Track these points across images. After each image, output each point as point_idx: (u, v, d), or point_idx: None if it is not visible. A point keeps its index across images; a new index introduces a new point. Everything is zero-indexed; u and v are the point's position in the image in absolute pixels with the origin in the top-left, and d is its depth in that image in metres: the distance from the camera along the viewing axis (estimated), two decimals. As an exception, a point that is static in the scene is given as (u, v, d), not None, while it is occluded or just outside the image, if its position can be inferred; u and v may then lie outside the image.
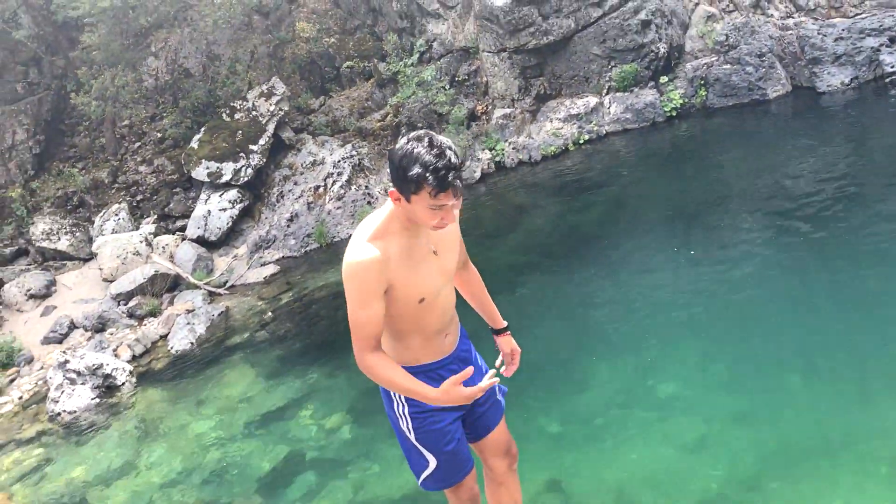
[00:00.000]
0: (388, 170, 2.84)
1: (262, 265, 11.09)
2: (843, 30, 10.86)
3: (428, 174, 2.61)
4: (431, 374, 3.07)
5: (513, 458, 3.48)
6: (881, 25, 10.69)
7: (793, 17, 11.47)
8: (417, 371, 3.05)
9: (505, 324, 3.42)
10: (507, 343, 3.40)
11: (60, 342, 10.28)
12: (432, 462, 3.17)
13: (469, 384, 3.06)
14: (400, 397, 3.10)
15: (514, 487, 3.50)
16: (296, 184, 12.12)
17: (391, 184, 2.78)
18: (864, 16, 11.00)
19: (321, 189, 11.86)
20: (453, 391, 2.88)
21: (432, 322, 3.03)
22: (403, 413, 3.11)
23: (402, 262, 2.85)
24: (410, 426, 3.13)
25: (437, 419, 3.11)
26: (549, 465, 5.12)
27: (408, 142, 2.69)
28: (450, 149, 2.67)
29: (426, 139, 2.68)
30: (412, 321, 3.00)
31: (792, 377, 5.43)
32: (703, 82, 11.73)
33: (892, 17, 10.71)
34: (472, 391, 2.91)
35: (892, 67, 10.38)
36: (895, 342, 5.46)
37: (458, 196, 2.69)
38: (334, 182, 11.85)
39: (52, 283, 11.61)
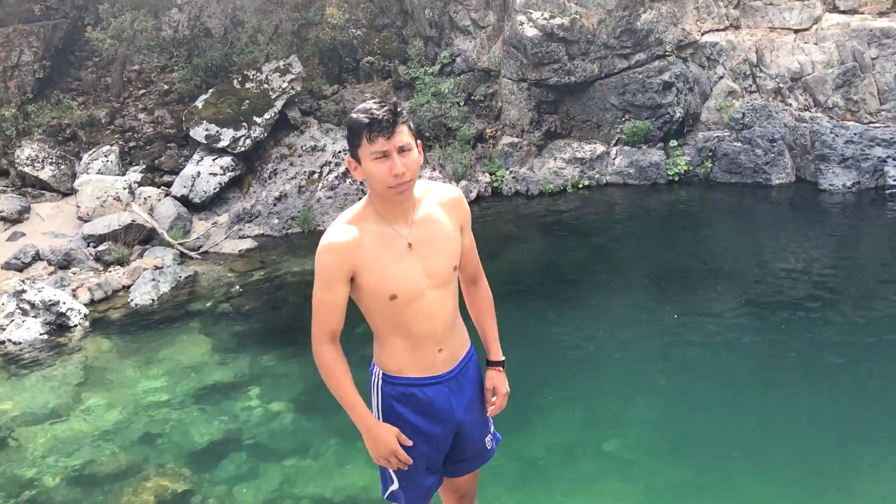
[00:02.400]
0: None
1: (240, 237, 10.96)
2: (855, 134, 10.97)
3: (361, 115, 2.66)
4: (415, 389, 2.91)
5: (468, 502, 3.37)
6: (892, 138, 10.82)
7: (810, 111, 11.58)
8: (400, 383, 2.92)
9: (500, 358, 3.20)
10: (493, 379, 3.16)
11: (21, 270, 10.07)
12: (396, 482, 3.07)
13: (471, 438, 3.04)
14: (379, 411, 2.97)
15: None
16: (291, 164, 12.02)
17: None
18: (877, 125, 11.13)
19: (316, 175, 11.76)
20: (384, 442, 2.86)
21: (415, 327, 2.85)
22: None
23: (373, 251, 2.75)
24: None
25: (412, 449, 2.96)
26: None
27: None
28: (391, 100, 2.74)
29: (374, 98, 2.79)
30: (388, 320, 2.86)
31: (740, 459, 5.40)
32: (710, 154, 11.79)
33: (906, 132, 10.85)
34: (395, 455, 2.88)
35: (895, 181, 10.50)
36: (852, 438, 5.46)
37: (395, 137, 2.64)
38: (330, 171, 11.76)
39: (27, 209, 11.41)
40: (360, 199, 10.32)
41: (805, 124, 11.37)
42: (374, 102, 2.69)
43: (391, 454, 2.89)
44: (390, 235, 2.79)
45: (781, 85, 11.82)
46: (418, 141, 2.79)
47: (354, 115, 2.69)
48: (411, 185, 2.75)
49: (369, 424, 2.88)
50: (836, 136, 10.99)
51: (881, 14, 11.69)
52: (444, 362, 2.95)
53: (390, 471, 3.03)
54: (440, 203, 2.92)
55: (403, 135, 2.68)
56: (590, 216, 11.01)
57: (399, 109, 2.69)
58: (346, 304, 2.82)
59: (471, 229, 3.08)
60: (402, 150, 2.67)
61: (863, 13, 11.80)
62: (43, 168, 11.94)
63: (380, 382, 2.97)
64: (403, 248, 2.80)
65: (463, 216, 3.00)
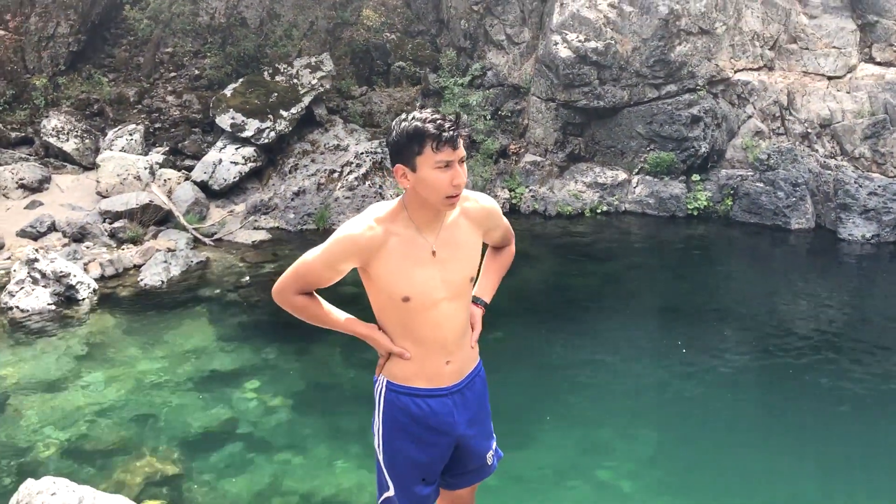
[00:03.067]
0: (390, 154, 2.80)
1: (254, 228, 10.99)
2: (879, 186, 10.90)
3: (427, 125, 2.65)
4: (419, 400, 2.90)
5: None
6: (917, 193, 10.75)
7: (835, 159, 11.53)
8: (405, 392, 2.90)
9: (485, 300, 3.18)
10: (474, 315, 3.09)
11: (36, 239, 10.13)
12: (392, 489, 3.05)
13: (470, 450, 3.04)
14: (380, 419, 2.96)
15: None
16: (313, 161, 12.05)
17: (394, 163, 2.77)
18: (903, 179, 11.07)
19: (336, 174, 11.79)
20: (382, 343, 2.89)
21: (426, 334, 2.85)
22: (378, 431, 2.99)
23: (395, 252, 2.76)
24: (381, 447, 3.00)
25: (410, 457, 2.94)
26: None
27: (402, 115, 2.78)
28: (448, 114, 2.78)
29: (419, 109, 2.79)
30: (399, 323, 2.86)
31: (730, 501, 5.35)
32: (732, 192, 11.75)
33: (930, 189, 10.78)
34: (382, 345, 2.89)
35: (916, 237, 10.44)
36: (850, 488, 5.40)
37: (459, 148, 2.69)
38: (351, 171, 11.78)
39: (47, 180, 11.48)
40: (377, 201, 10.34)
41: (830, 171, 11.32)
42: (432, 113, 2.72)
43: (379, 340, 2.91)
44: (416, 241, 2.80)
45: (810, 130, 11.78)
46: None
47: (418, 124, 2.68)
48: (459, 197, 2.79)
49: (362, 332, 2.92)
50: (860, 186, 10.93)
51: (917, 69, 11.64)
52: (450, 375, 2.94)
53: (386, 477, 3.01)
54: (469, 214, 2.93)
55: (463, 146, 2.73)
56: (605, 242, 10.97)
57: (461, 121, 2.73)
58: (331, 282, 2.86)
59: (503, 222, 3.14)
60: (461, 161, 2.72)
61: (898, 66, 11.76)
62: (67, 140, 12.02)
63: (384, 391, 2.95)
64: (427, 256, 2.80)
65: (492, 224, 3.06)
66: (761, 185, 11.57)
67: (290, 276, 2.87)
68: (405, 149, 2.70)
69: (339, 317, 2.93)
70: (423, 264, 2.80)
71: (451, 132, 2.66)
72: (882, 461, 5.79)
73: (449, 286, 2.85)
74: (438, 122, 2.67)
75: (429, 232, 2.82)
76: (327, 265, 2.81)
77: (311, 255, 2.84)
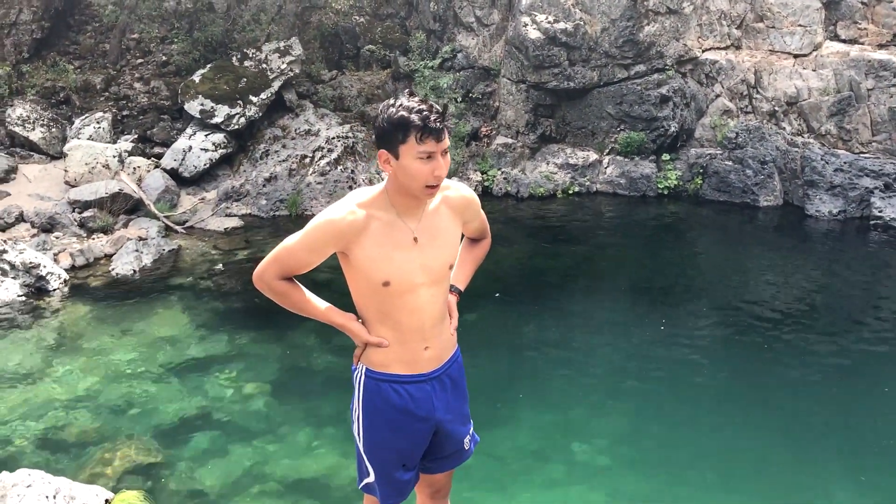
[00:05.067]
0: (375, 137, 2.83)
1: (226, 215, 10.93)
2: (845, 163, 11.07)
3: (412, 115, 2.67)
4: (398, 386, 2.93)
5: (442, 497, 3.37)
6: (881, 170, 10.92)
7: (802, 137, 11.68)
8: (384, 379, 2.92)
9: (460, 288, 3.20)
10: (450, 302, 3.12)
11: (3, 230, 10.01)
12: (372, 475, 3.08)
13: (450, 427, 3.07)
14: (360, 405, 2.98)
15: None
16: (284, 147, 11.99)
17: (378, 146, 2.79)
18: (867, 156, 11.24)
19: (307, 160, 11.74)
20: (358, 333, 2.91)
21: (404, 319, 2.88)
22: (358, 418, 3.02)
23: (376, 237, 2.78)
24: (361, 434, 3.03)
25: (390, 443, 2.98)
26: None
27: (391, 100, 2.80)
28: (434, 102, 2.77)
29: (407, 94, 2.79)
30: (378, 308, 2.88)
31: (708, 474, 5.45)
32: (701, 171, 11.87)
33: (894, 164, 10.95)
34: (359, 336, 2.92)
35: (880, 212, 10.58)
36: (820, 458, 5.53)
37: (443, 140, 2.71)
38: (322, 157, 11.74)
39: (14, 170, 11.32)
40: (350, 187, 10.29)
41: (797, 149, 11.47)
42: (420, 102, 2.72)
43: (355, 331, 2.93)
44: (398, 227, 2.83)
45: (777, 108, 11.91)
46: None
47: (405, 114, 2.69)
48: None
49: (349, 325, 2.93)
50: (827, 163, 11.09)
51: (881, 46, 11.80)
52: (428, 361, 2.97)
53: (367, 463, 3.04)
54: (449, 202, 2.97)
55: (447, 137, 2.76)
56: (577, 223, 11.06)
57: (446, 113, 2.76)
58: (312, 266, 2.88)
59: (481, 213, 3.17)
60: (444, 152, 2.75)
61: (863, 44, 11.91)
62: (34, 129, 11.85)
63: (363, 378, 2.98)
64: (408, 241, 2.83)
65: (471, 215, 3.10)
66: (730, 163, 11.70)
67: (271, 260, 2.88)
68: (389, 135, 2.72)
69: (318, 305, 2.94)
70: (404, 249, 2.82)
71: (436, 124, 2.68)
72: (853, 430, 5.94)
73: (428, 272, 2.88)
74: (424, 112, 2.68)
75: (410, 218, 2.85)
76: (309, 249, 2.82)
77: (293, 240, 2.85)
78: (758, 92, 12.06)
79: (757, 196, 11.43)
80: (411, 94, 2.80)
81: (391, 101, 2.77)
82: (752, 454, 5.64)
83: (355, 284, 2.90)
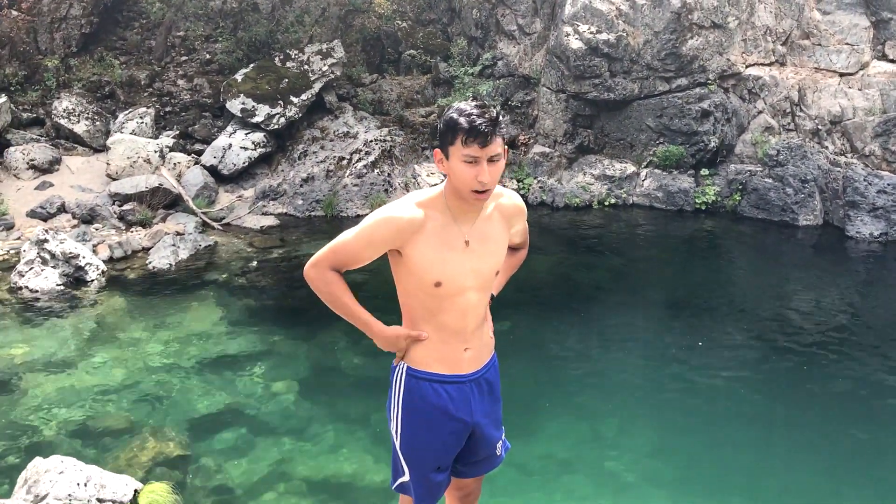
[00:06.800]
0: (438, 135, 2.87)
1: (263, 214, 11.03)
2: (888, 184, 10.87)
3: (461, 118, 2.69)
4: (438, 386, 2.94)
5: (471, 502, 3.38)
6: (926, 192, 10.71)
7: (845, 157, 11.50)
8: (424, 377, 2.94)
9: (493, 293, 3.20)
10: None
11: (45, 220, 10.19)
12: (407, 475, 3.08)
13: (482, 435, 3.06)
14: (399, 402, 2.99)
15: None
16: (322, 148, 12.06)
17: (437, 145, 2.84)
18: (913, 178, 11.02)
19: (345, 161, 11.80)
20: (391, 336, 2.93)
21: (449, 320, 2.90)
22: (396, 416, 3.03)
23: (431, 237, 2.82)
24: (399, 432, 3.03)
25: (428, 442, 2.99)
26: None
27: (455, 102, 2.87)
28: (494, 108, 2.76)
29: (475, 100, 2.79)
30: (426, 307, 2.91)
31: (736, 496, 5.37)
32: (741, 187, 11.73)
33: (940, 188, 10.74)
34: (408, 336, 2.92)
35: (924, 236, 10.41)
36: (852, 484, 5.41)
37: (489, 147, 2.70)
38: (360, 159, 11.80)
39: (58, 161, 11.52)
40: (385, 190, 10.32)
41: (839, 169, 11.28)
42: (477, 107, 2.73)
43: (400, 338, 2.95)
44: (451, 229, 2.86)
45: (820, 127, 11.74)
46: (506, 148, 2.84)
47: (455, 116, 2.72)
48: (491, 191, 2.82)
49: (374, 329, 2.96)
50: (870, 184, 10.90)
51: (930, 67, 11.58)
52: (468, 362, 2.99)
53: (402, 462, 3.04)
54: (502, 209, 3.01)
55: (497, 145, 2.74)
56: (613, 235, 10.98)
57: (499, 119, 2.74)
58: (366, 262, 2.91)
59: (525, 223, 3.21)
60: (491, 159, 2.74)
61: (911, 64, 11.70)
62: (78, 122, 12.06)
63: (403, 375, 2.99)
64: (460, 244, 2.87)
65: (519, 224, 3.14)
66: (770, 180, 11.54)
67: (328, 251, 2.92)
68: (443, 136, 2.77)
69: (359, 306, 2.96)
70: (456, 252, 2.86)
71: (484, 128, 2.68)
72: (889, 456, 5.80)
73: (477, 276, 2.92)
74: (474, 116, 2.69)
75: (464, 221, 2.88)
76: (366, 243, 2.85)
77: (350, 234, 2.89)
78: (801, 109, 11.90)
79: (796, 215, 11.26)
80: (474, 99, 2.81)
81: (453, 102, 2.79)
82: (782, 477, 5.54)
83: (405, 282, 2.92)
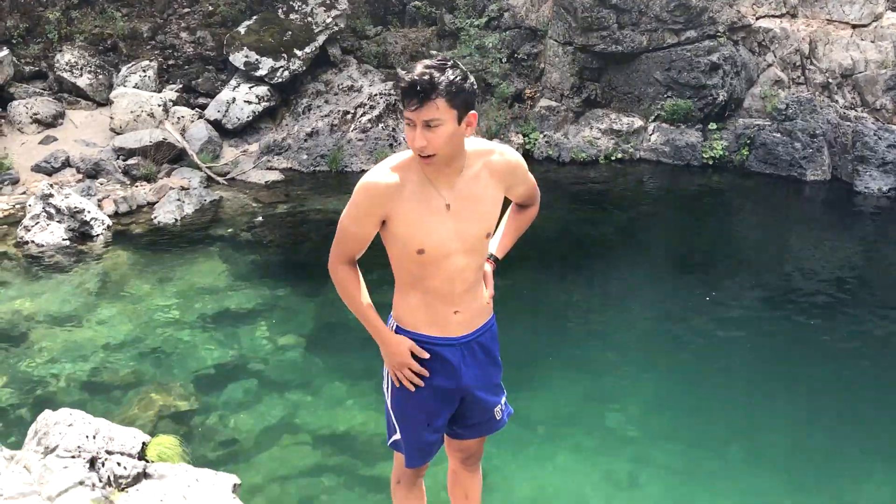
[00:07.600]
0: None
1: (267, 168, 10.98)
2: (899, 139, 10.76)
3: (402, 76, 2.61)
4: (427, 347, 2.92)
5: (473, 462, 3.38)
6: (937, 147, 10.60)
7: (855, 110, 11.36)
8: (413, 338, 2.93)
9: (497, 256, 3.17)
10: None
11: (50, 174, 10.17)
12: (399, 433, 3.10)
13: (478, 392, 3.05)
14: None
15: (468, 484, 3.41)
16: (326, 102, 11.96)
17: None
18: (924, 132, 10.89)
19: (349, 116, 11.71)
20: (397, 352, 2.90)
21: (435, 285, 2.86)
22: (387, 375, 3.03)
23: (410, 202, 2.75)
24: (389, 390, 3.05)
25: (417, 402, 2.98)
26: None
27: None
28: (447, 67, 2.60)
29: (441, 58, 2.67)
30: (411, 273, 2.88)
31: (740, 449, 5.41)
32: (749, 142, 11.61)
33: (951, 142, 10.62)
34: (409, 367, 2.90)
35: (933, 191, 10.32)
36: (856, 437, 5.46)
37: (421, 110, 2.56)
38: (364, 113, 11.70)
39: (61, 115, 11.46)
40: (390, 145, 10.23)
41: (849, 123, 11.15)
42: (422, 66, 2.60)
43: (402, 366, 2.92)
44: (429, 192, 2.78)
45: (830, 80, 11.58)
46: (472, 112, 2.69)
47: (401, 72, 2.63)
48: (437, 159, 2.68)
49: (384, 336, 2.94)
50: (880, 138, 10.78)
51: (944, 19, 11.37)
52: (458, 325, 2.95)
53: (394, 421, 3.06)
54: (492, 167, 2.87)
55: (434, 109, 2.58)
56: (619, 190, 10.92)
57: (438, 81, 2.57)
58: (370, 239, 2.86)
59: (528, 178, 3.08)
60: (428, 124, 2.61)
61: (926, 16, 11.49)
62: (81, 75, 11.96)
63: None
64: (440, 207, 2.78)
65: (515, 180, 2.99)
66: (778, 135, 11.42)
67: (332, 245, 2.89)
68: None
69: (375, 318, 2.94)
70: (438, 216, 2.78)
71: (416, 90, 2.56)
72: (894, 414, 5.82)
73: (463, 240, 2.83)
74: (413, 76, 2.57)
75: (441, 184, 2.79)
76: (355, 221, 2.80)
77: (342, 218, 2.86)
78: (812, 63, 11.73)
79: (804, 170, 11.16)
80: (442, 58, 2.67)
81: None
82: (786, 433, 5.58)
83: (392, 251, 2.89)
